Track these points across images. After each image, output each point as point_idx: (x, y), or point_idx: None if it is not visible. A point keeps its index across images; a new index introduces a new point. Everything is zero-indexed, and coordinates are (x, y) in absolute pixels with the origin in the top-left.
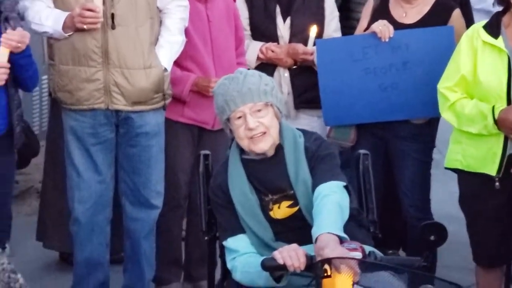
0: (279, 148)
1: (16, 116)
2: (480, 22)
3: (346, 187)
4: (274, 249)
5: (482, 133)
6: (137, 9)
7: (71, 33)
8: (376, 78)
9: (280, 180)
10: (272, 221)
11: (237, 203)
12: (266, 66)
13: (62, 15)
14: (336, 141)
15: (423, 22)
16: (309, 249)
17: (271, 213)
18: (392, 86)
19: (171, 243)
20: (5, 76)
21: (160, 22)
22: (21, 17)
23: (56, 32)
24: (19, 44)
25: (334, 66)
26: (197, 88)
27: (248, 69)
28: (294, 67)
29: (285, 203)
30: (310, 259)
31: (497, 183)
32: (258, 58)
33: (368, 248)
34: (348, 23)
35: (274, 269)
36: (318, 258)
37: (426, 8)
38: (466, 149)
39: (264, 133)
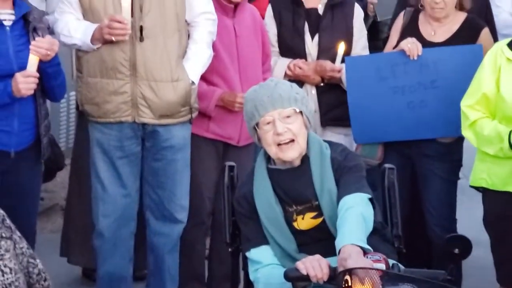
0: (305, 159)
1: (44, 127)
2: (504, 39)
3: (371, 199)
4: (298, 260)
5: (499, 155)
6: (166, 21)
7: (99, 45)
8: (405, 96)
9: (305, 191)
10: (296, 232)
11: (261, 213)
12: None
13: (91, 27)
14: (363, 158)
15: (452, 41)
16: (332, 261)
17: (294, 224)
18: (420, 104)
19: (194, 259)
20: (33, 86)
21: (188, 35)
22: (51, 31)
23: (84, 44)
24: (48, 52)
25: (363, 83)
26: (222, 103)
27: None
28: (322, 84)
29: (309, 214)
30: (333, 270)
31: None
32: (285, 74)
33: (391, 261)
34: (374, 44)
35: (297, 280)
36: (341, 269)
37: (455, 27)
38: (491, 167)
39: (292, 140)
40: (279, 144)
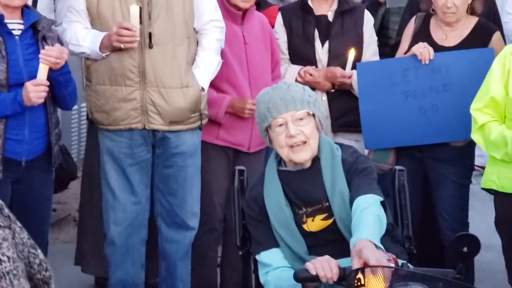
0: (316, 160)
1: (55, 135)
2: None
3: (382, 202)
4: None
5: (505, 159)
6: (175, 28)
7: (108, 53)
8: (416, 101)
9: (315, 192)
10: (306, 234)
11: (271, 215)
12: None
13: (99, 35)
14: (375, 163)
15: (463, 45)
16: (343, 262)
17: (304, 226)
18: (432, 108)
19: (207, 266)
20: (44, 94)
21: (197, 43)
22: (60, 42)
23: (93, 53)
24: (58, 60)
25: (374, 89)
26: (232, 110)
27: None
28: (332, 90)
29: (320, 216)
30: (343, 270)
31: None
32: (296, 81)
33: (400, 261)
34: (382, 50)
35: (307, 281)
36: (355, 259)
37: (466, 31)
38: (500, 170)
39: (304, 142)
40: (291, 146)
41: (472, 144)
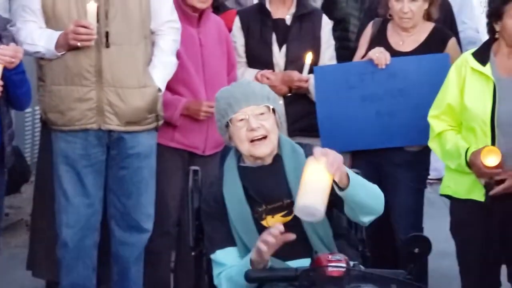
0: (277, 158)
1: (7, 135)
2: (469, 50)
3: None
4: None
5: (459, 170)
6: (132, 28)
7: (64, 52)
8: (373, 105)
9: (277, 189)
10: (264, 231)
11: (231, 210)
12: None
13: (54, 34)
14: None
15: (419, 50)
16: (298, 263)
17: (263, 222)
18: (388, 113)
19: (160, 270)
20: None
21: (153, 44)
22: (15, 42)
23: (49, 52)
24: (13, 59)
25: (331, 93)
26: (188, 112)
27: None
28: (289, 94)
29: (280, 214)
30: (294, 270)
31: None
32: None
33: (352, 263)
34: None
35: (258, 281)
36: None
37: (423, 37)
38: (456, 177)
39: (265, 137)
40: (252, 141)
41: (427, 150)
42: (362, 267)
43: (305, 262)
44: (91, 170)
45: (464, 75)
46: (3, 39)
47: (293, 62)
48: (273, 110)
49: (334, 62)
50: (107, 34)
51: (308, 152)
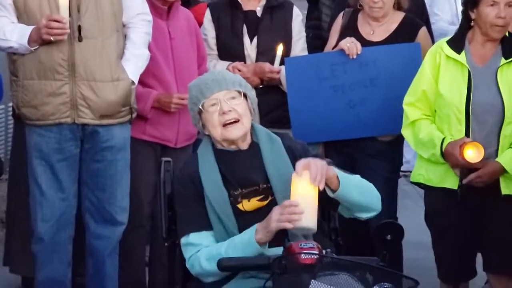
0: (254, 144)
1: None
2: (445, 38)
3: None
4: None
5: (431, 159)
6: (104, 21)
7: (37, 46)
8: (345, 95)
9: (253, 173)
10: (240, 214)
11: (208, 192)
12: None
13: (27, 29)
14: None
15: (390, 40)
16: (272, 251)
17: (239, 205)
18: (360, 103)
19: (134, 264)
20: None
21: (124, 36)
22: None
23: (21, 47)
24: None
25: (303, 83)
26: (158, 104)
27: None
28: (261, 86)
29: (255, 198)
30: (267, 258)
31: (459, 194)
32: None
33: (324, 251)
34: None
35: (231, 270)
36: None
37: (393, 26)
38: (429, 164)
39: (238, 121)
40: (224, 125)
41: (400, 139)
42: (334, 255)
43: (279, 250)
44: (65, 164)
45: (439, 62)
46: None
47: (265, 54)
48: (245, 95)
49: (305, 53)
50: (79, 28)
51: (286, 141)
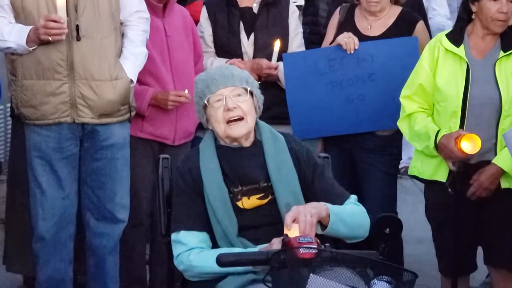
0: (257, 142)
1: None
2: (444, 31)
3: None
4: (235, 245)
5: (425, 152)
6: (101, 20)
7: (35, 46)
8: (343, 91)
9: (254, 171)
10: (239, 212)
11: (208, 187)
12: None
13: (25, 29)
14: None
15: (387, 34)
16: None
17: (239, 203)
18: (358, 98)
19: (135, 261)
20: None
21: (122, 35)
22: None
23: (20, 47)
24: None
25: (301, 79)
26: (156, 102)
27: None
28: (259, 82)
29: (255, 196)
30: (265, 254)
31: (449, 189)
32: None
33: (323, 245)
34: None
35: (230, 265)
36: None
37: (390, 21)
38: (424, 157)
39: (242, 118)
40: (228, 122)
41: (398, 134)
42: (333, 249)
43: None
44: (65, 162)
45: (437, 55)
46: None
47: (262, 50)
48: (251, 93)
49: (303, 49)
50: (77, 27)
51: (290, 143)
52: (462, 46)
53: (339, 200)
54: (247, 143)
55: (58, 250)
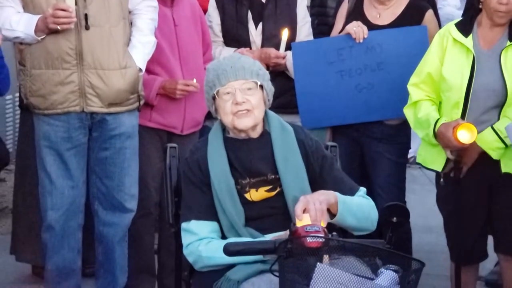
0: (265, 133)
1: None
2: (454, 20)
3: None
4: (242, 235)
5: (425, 139)
6: (110, 9)
7: (43, 36)
8: (352, 80)
9: (262, 163)
10: (247, 204)
11: (215, 179)
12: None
13: (33, 19)
14: None
15: (397, 23)
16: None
17: (247, 195)
18: (367, 87)
19: (143, 251)
20: None
21: (130, 23)
22: None
23: (28, 37)
24: None
25: (310, 68)
26: (164, 91)
27: None
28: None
29: (264, 188)
30: (273, 243)
31: (441, 180)
32: None
33: (330, 235)
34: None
35: (237, 254)
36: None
37: (399, 9)
38: (427, 145)
39: (249, 110)
40: (235, 113)
41: (407, 122)
42: (339, 238)
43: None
44: (74, 152)
45: (446, 45)
46: None
47: (270, 40)
48: (261, 86)
49: (310, 38)
50: (86, 16)
51: (299, 135)
52: (470, 36)
53: (348, 192)
54: (254, 134)
55: (67, 239)
